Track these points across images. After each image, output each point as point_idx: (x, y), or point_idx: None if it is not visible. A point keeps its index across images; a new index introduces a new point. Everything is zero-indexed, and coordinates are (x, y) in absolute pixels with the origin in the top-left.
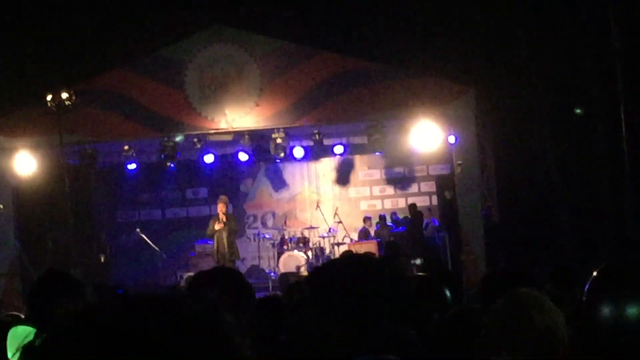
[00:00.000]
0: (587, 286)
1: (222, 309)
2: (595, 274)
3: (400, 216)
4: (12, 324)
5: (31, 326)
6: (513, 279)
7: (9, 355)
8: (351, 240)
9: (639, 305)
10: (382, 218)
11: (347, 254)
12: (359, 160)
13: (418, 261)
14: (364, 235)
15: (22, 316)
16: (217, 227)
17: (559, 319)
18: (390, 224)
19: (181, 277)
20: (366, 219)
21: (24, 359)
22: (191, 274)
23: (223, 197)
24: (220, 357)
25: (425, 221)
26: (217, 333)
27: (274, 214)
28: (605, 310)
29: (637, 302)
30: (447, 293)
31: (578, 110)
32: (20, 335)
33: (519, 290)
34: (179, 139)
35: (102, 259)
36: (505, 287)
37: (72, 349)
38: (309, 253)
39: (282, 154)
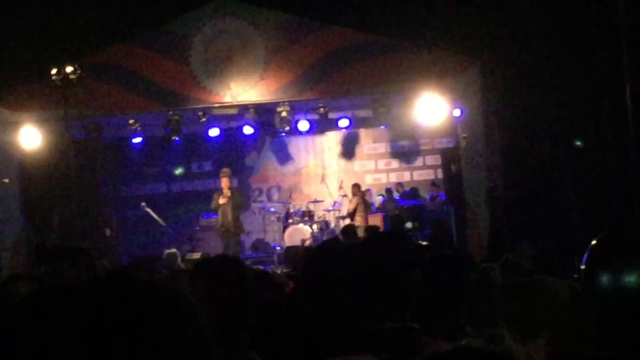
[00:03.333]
0: (585, 255)
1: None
2: (594, 243)
3: (407, 189)
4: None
5: None
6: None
7: None
8: None
9: (637, 274)
10: (388, 191)
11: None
12: (364, 133)
13: (409, 224)
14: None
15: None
16: (221, 201)
17: (563, 289)
18: (397, 197)
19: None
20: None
21: None
22: (174, 250)
23: (225, 171)
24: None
25: (429, 194)
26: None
27: (279, 188)
28: (604, 279)
29: (634, 270)
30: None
31: (578, 142)
32: None
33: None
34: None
35: (108, 233)
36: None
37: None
38: (314, 226)
39: (287, 128)
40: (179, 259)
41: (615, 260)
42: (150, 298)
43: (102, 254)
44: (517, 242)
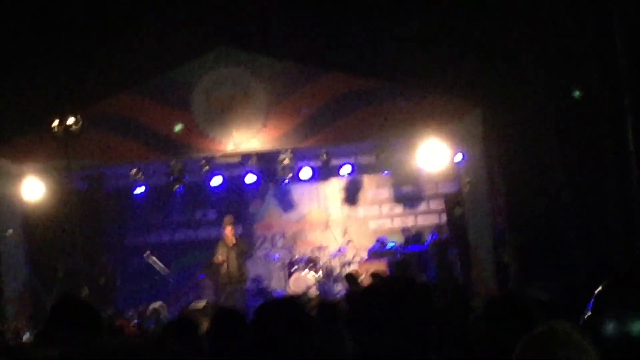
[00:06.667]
0: (591, 302)
1: None
2: (599, 290)
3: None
4: None
5: None
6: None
7: None
8: (361, 259)
9: None
10: (381, 242)
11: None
12: (367, 179)
13: None
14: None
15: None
16: (220, 258)
17: (588, 356)
18: (393, 245)
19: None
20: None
21: None
22: (159, 304)
23: (228, 219)
24: None
25: (431, 236)
26: None
27: (283, 235)
28: (610, 326)
29: None
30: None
31: (577, 93)
32: None
33: (549, 323)
34: (178, 128)
35: (103, 282)
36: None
37: None
38: (319, 273)
39: (289, 175)
40: (166, 312)
41: (620, 308)
42: None
43: (105, 304)
44: (524, 286)
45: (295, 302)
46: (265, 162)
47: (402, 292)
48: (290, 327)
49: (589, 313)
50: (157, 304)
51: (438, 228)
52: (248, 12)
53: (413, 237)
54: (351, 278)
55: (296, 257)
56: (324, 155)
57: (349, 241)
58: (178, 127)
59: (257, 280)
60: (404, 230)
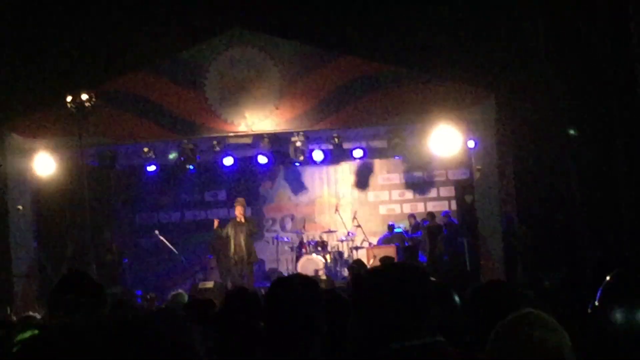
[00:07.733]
0: (599, 292)
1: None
2: (607, 279)
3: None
4: (22, 327)
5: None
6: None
7: None
8: (370, 244)
9: None
10: (390, 227)
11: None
12: (378, 164)
13: None
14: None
15: (38, 316)
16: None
17: (564, 339)
18: (402, 231)
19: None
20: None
21: None
22: (180, 291)
23: (240, 200)
24: None
25: (423, 223)
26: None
27: (292, 218)
28: (618, 316)
29: None
30: (456, 298)
31: (572, 132)
32: None
33: (524, 311)
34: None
35: (109, 259)
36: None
37: None
38: (327, 257)
39: (301, 158)
40: (186, 299)
41: (629, 297)
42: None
43: (113, 282)
44: (533, 275)
45: (309, 279)
46: (277, 143)
47: (403, 275)
48: (306, 304)
49: (597, 303)
50: (178, 291)
51: (429, 216)
52: None
53: (420, 223)
54: (360, 263)
55: (305, 240)
56: (336, 139)
57: (358, 226)
58: None
59: (266, 262)
60: (411, 216)
